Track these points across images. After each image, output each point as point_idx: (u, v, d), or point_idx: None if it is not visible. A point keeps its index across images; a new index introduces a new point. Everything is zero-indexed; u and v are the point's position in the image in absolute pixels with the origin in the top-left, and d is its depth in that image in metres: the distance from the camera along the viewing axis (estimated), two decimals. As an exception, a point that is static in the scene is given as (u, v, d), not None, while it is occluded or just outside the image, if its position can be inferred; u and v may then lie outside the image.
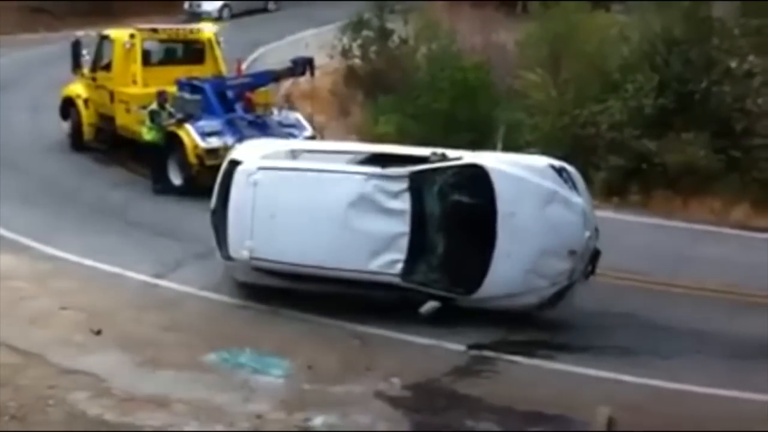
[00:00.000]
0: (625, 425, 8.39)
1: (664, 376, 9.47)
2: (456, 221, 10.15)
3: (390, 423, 8.58)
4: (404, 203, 10.06)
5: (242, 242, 10.46)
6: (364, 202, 10.11)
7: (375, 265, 10.03)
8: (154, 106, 14.94)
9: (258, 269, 10.58)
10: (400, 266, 10.05)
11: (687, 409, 8.97)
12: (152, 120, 14.88)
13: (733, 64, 17.01)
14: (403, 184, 10.10)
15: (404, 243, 10.02)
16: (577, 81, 18.02)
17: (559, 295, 10.18)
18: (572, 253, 9.97)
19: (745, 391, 9.19)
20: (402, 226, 10.04)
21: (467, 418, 8.68)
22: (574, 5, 18.76)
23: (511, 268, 9.87)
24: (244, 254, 10.45)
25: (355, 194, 10.13)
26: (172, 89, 15.47)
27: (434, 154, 10.42)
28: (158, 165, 15.04)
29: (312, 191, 10.31)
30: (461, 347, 10.00)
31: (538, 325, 10.53)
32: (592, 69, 17.96)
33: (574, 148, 16.83)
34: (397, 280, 10.07)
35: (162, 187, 14.97)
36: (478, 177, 10.03)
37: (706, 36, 17.18)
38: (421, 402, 8.93)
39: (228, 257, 10.80)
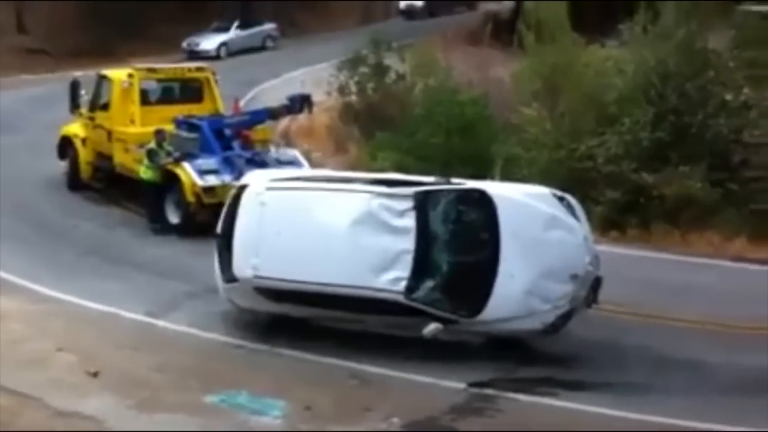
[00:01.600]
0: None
1: (666, 412, 9.34)
2: (460, 242, 10.27)
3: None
4: (409, 222, 10.16)
5: (247, 260, 10.46)
6: (369, 220, 10.20)
7: (379, 282, 10.01)
8: (152, 145, 14.98)
9: (259, 291, 10.49)
10: (403, 284, 10.03)
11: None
12: (150, 159, 14.90)
13: (729, 97, 17.07)
14: (409, 203, 10.23)
15: (408, 260, 10.06)
16: (572, 115, 18.08)
17: (562, 320, 10.16)
18: (574, 277, 10.06)
19: (746, 427, 9.06)
20: (407, 244, 10.11)
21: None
22: (569, 39, 18.87)
23: (514, 290, 9.94)
24: (249, 273, 10.42)
25: (361, 212, 10.24)
26: (170, 128, 15.52)
27: (439, 179, 10.76)
28: (155, 204, 15.03)
29: (319, 209, 10.48)
30: (461, 385, 9.90)
31: (539, 362, 10.44)
32: (587, 103, 18.02)
33: (571, 182, 16.78)
34: (400, 298, 10.02)
35: (159, 226, 14.94)
36: (482, 200, 10.28)
37: (700, 69, 17.27)
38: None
39: (230, 279, 10.74)
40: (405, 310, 10.08)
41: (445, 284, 10.13)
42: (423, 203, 10.24)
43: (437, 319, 10.03)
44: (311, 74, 24.00)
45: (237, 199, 11.02)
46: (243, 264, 10.51)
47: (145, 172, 14.97)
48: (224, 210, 11.31)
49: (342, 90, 22.24)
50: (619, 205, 15.96)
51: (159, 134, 15.02)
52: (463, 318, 10.11)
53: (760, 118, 16.72)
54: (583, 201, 15.73)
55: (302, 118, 17.70)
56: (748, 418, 9.19)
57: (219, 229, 11.19)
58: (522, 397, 9.71)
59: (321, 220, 10.36)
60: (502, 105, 19.81)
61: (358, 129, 21.54)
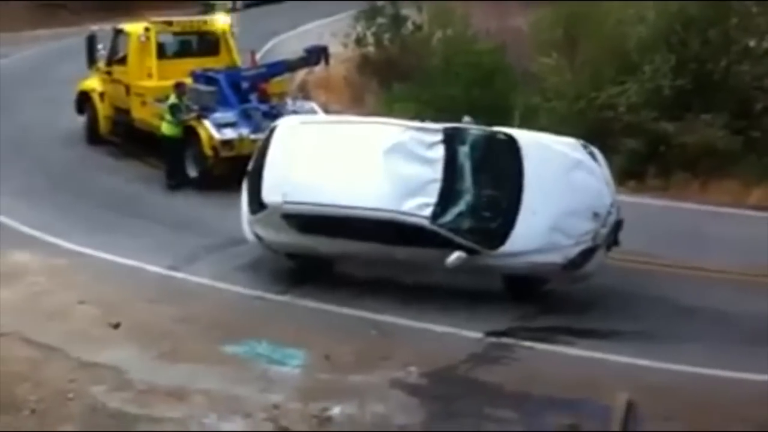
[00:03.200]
0: (644, 409, 8.34)
1: (685, 360, 9.39)
2: (485, 177, 10.71)
3: (407, 411, 8.56)
4: (438, 153, 10.62)
5: (278, 187, 10.69)
6: (400, 150, 10.63)
7: (406, 206, 10.30)
8: (173, 99, 14.81)
9: (287, 220, 10.64)
10: (430, 210, 10.34)
11: (707, 393, 8.88)
12: (173, 114, 14.75)
13: (752, 43, 16.76)
14: (438, 137, 10.72)
15: (436, 189, 10.46)
16: (592, 63, 17.83)
17: (584, 256, 10.34)
18: (596, 215, 10.47)
19: (760, 374, 9.08)
20: (434, 173, 10.52)
21: (485, 405, 8.66)
22: (589, -14, 18.54)
23: (537, 225, 10.29)
24: (278, 198, 10.62)
25: (392, 142, 10.66)
26: (188, 81, 15.48)
27: (467, 118, 11.42)
28: (174, 160, 15.03)
29: (351, 140, 10.97)
30: (479, 335, 9.97)
31: (557, 311, 10.48)
32: (608, 51, 17.75)
33: (591, 132, 16.60)
34: (426, 223, 10.28)
35: (176, 183, 14.93)
36: (508, 141, 10.82)
37: (723, 15, 16.92)
38: (439, 390, 8.91)
39: (258, 208, 10.85)
40: (430, 240, 10.26)
41: (470, 214, 10.48)
42: (452, 138, 10.75)
43: (461, 248, 10.22)
44: (328, 26, 23.77)
45: (270, 136, 11.40)
46: (273, 191, 10.69)
47: (167, 128, 14.86)
48: (256, 149, 11.65)
49: (359, 41, 22.05)
50: (638, 155, 15.82)
51: (179, 87, 14.90)
52: (486, 249, 10.28)
53: (783, 65, 16.43)
54: (603, 150, 15.62)
55: (319, 70, 17.55)
56: (759, 365, 9.21)
57: (250, 166, 11.41)
58: (539, 345, 9.78)
59: (353, 150, 10.77)
60: (521, 54, 19.57)
61: (375, 81, 21.39)
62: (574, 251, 10.26)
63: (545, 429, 8.32)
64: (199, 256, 11.95)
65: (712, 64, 16.51)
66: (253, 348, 9.59)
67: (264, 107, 15.36)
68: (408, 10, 21.99)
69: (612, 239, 10.65)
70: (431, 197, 10.40)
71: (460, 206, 10.47)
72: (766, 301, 10.74)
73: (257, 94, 15.73)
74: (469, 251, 10.23)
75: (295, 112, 15.49)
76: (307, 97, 17.50)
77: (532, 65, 18.62)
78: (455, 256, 10.19)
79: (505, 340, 9.89)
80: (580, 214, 10.41)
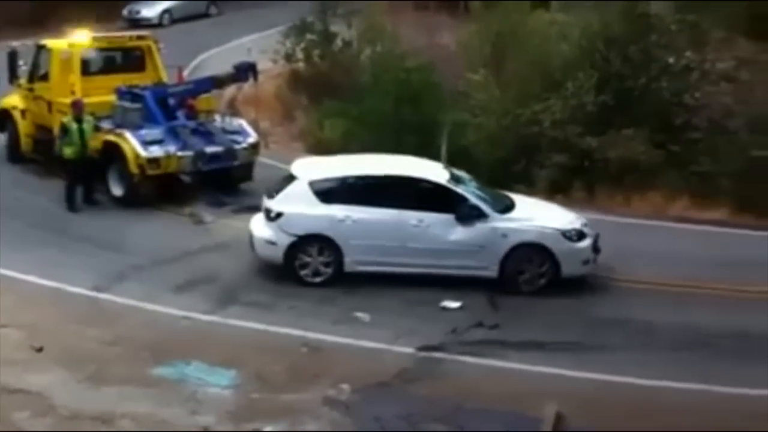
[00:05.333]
0: (572, 419, 8.49)
1: (612, 369, 9.61)
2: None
3: (340, 429, 8.53)
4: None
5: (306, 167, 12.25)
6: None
7: (424, 173, 11.87)
8: (66, 119, 14.27)
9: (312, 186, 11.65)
10: (447, 175, 11.95)
11: (634, 401, 9.09)
12: (62, 134, 14.09)
13: (671, 60, 17.35)
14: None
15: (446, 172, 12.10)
16: (519, 80, 18.19)
17: (578, 235, 11.54)
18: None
19: (689, 383, 9.35)
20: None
21: (418, 420, 8.68)
22: (513, 5, 18.93)
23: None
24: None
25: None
26: (112, 98, 15.20)
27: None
28: (72, 182, 14.49)
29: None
30: (410, 349, 10.02)
31: (486, 324, 10.59)
32: (533, 68, 18.15)
33: (518, 147, 17.02)
34: (444, 182, 11.73)
35: (72, 207, 14.40)
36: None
37: (643, 33, 17.49)
38: (371, 406, 8.90)
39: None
40: (442, 204, 11.29)
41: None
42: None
43: (475, 210, 11.29)
44: (257, 42, 23.62)
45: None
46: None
47: (63, 149, 14.19)
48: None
49: (288, 57, 22.03)
50: (564, 169, 16.20)
51: (75, 106, 14.36)
52: (496, 213, 11.48)
53: (700, 81, 17.04)
54: (530, 165, 16.00)
55: (248, 86, 17.42)
56: (693, 374, 9.48)
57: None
58: (470, 359, 9.87)
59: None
60: (450, 71, 19.84)
61: (305, 97, 21.40)
62: (569, 227, 11.43)
63: (476, 442, 8.40)
64: (126, 276, 11.73)
65: (633, 81, 17.05)
66: (182, 369, 9.43)
67: (192, 124, 15.19)
68: (337, 27, 22.07)
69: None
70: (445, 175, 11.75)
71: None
72: (688, 310, 11.07)
73: (185, 110, 15.54)
74: (481, 215, 11.14)
75: (224, 129, 15.41)
76: (236, 113, 17.37)
77: (460, 82, 18.88)
78: (453, 305, 10.80)
79: (437, 354, 9.96)
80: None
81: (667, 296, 11.52)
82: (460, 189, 11.52)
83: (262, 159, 15.85)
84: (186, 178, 14.88)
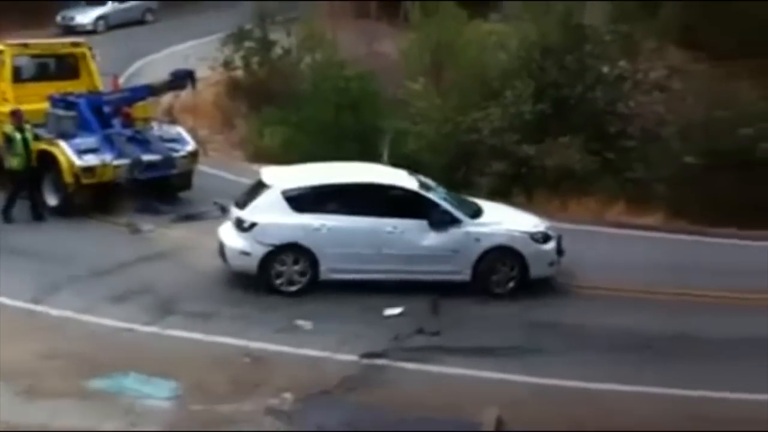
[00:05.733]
0: (513, 423, 8.58)
1: (551, 373, 9.73)
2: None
3: (282, 439, 8.47)
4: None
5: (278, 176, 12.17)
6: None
7: (395, 181, 12.08)
8: (8, 129, 13.90)
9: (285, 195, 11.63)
10: (417, 183, 12.09)
11: (573, 404, 9.24)
12: (7, 146, 13.72)
13: (605, 70, 17.76)
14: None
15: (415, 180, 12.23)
16: (458, 89, 18.41)
17: (544, 238, 11.85)
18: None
19: (624, 384, 9.54)
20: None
21: (360, 428, 8.67)
22: (451, 14, 19.15)
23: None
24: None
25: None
26: (46, 106, 14.87)
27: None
28: (15, 193, 14.03)
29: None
30: (353, 357, 10.00)
31: (427, 330, 10.64)
32: (472, 77, 18.39)
33: (459, 155, 17.21)
34: (416, 188, 11.91)
35: (8, 218, 14.01)
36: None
37: (578, 43, 17.87)
38: (313, 415, 8.86)
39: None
40: (415, 211, 11.44)
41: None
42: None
43: (447, 216, 11.45)
44: (195, 49, 23.44)
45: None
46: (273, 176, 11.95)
47: (10, 160, 13.85)
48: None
49: (227, 65, 21.87)
50: (503, 176, 16.42)
51: (15, 115, 14.01)
52: (468, 218, 11.68)
53: (633, 90, 17.47)
54: (470, 172, 16.19)
55: (186, 94, 17.25)
56: (631, 376, 9.67)
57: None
58: (413, 365, 9.90)
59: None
60: (389, 79, 19.97)
61: (245, 105, 21.27)
62: (536, 230, 11.82)
63: (419, 448, 8.43)
64: (62, 288, 11.45)
65: (569, 90, 17.40)
66: (120, 382, 9.24)
67: (128, 132, 14.95)
68: (276, 34, 22.00)
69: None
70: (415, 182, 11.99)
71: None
72: (627, 314, 11.31)
73: (120, 118, 15.29)
74: (454, 220, 11.39)
75: (161, 138, 15.19)
76: (173, 121, 17.16)
77: (400, 90, 19.00)
78: (394, 312, 10.81)
79: (379, 361, 9.96)
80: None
81: (607, 300, 11.75)
82: (431, 195, 11.70)
83: (201, 167, 15.69)
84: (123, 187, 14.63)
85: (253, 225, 11.36)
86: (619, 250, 13.59)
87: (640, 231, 14.75)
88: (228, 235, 11.68)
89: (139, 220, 13.94)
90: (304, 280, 11.35)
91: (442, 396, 9.29)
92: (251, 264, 11.33)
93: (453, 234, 11.40)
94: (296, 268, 11.34)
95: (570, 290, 11.95)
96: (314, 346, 10.16)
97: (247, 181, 16.67)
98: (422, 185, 11.95)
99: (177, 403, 8.99)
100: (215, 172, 16.66)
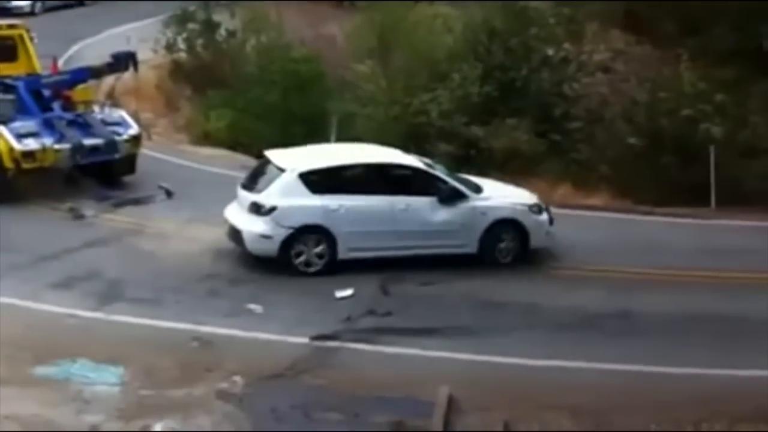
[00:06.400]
0: (464, 402, 8.65)
1: (501, 351, 9.82)
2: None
3: (234, 423, 8.39)
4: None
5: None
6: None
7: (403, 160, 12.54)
8: None
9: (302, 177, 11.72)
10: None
11: (523, 381, 9.35)
12: None
13: (550, 52, 17.92)
14: None
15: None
16: (406, 71, 18.39)
17: (539, 209, 12.43)
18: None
19: (574, 361, 9.68)
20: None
21: (312, 409, 8.64)
22: (398, -4, 19.11)
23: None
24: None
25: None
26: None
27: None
28: None
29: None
30: (304, 339, 9.96)
31: (378, 311, 10.65)
32: (419, 59, 18.38)
33: (408, 137, 17.20)
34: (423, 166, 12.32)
35: None
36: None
37: (524, 26, 17.98)
38: (265, 398, 8.80)
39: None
40: (424, 188, 11.83)
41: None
42: None
43: (454, 191, 11.83)
44: (137, 31, 22.94)
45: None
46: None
47: None
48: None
49: (170, 47, 21.48)
50: (453, 157, 16.46)
51: None
52: (473, 193, 12.09)
53: (578, 72, 17.66)
54: (420, 154, 16.19)
55: (128, 76, 16.89)
56: (578, 352, 9.80)
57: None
58: (364, 346, 9.90)
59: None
60: (336, 62, 19.85)
61: (189, 87, 20.94)
62: (532, 202, 12.42)
63: (371, 429, 8.42)
64: (5, 275, 11.13)
65: (516, 72, 17.51)
66: (67, 368, 9.05)
67: (68, 116, 14.61)
68: (220, 16, 21.67)
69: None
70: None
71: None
72: (574, 292, 11.45)
73: (61, 102, 14.92)
74: (461, 196, 11.83)
75: (103, 121, 14.88)
76: (115, 104, 16.80)
77: (348, 73, 18.91)
78: (345, 293, 10.87)
79: (330, 343, 9.94)
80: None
81: (555, 279, 11.90)
82: (439, 173, 12.13)
83: (145, 151, 15.41)
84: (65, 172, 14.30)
85: (273, 208, 11.41)
86: (565, 230, 13.73)
87: (586, 211, 14.95)
88: (242, 219, 11.70)
89: (81, 205, 13.66)
90: (323, 260, 11.55)
91: (393, 376, 9.31)
92: (272, 247, 11.44)
93: (461, 209, 11.85)
94: (316, 249, 11.51)
95: (519, 269, 12.05)
96: (265, 330, 10.09)
97: (194, 165, 16.61)
98: (426, 164, 12.36)
99: (125, 388, 8.84)
100: (159, 155, 16.39)
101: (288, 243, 11.39)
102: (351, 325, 10.33)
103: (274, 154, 12.25)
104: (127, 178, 14.80)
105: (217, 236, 12.20)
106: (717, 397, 9.05)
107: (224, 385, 8.94)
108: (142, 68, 16.78)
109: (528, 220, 12.09)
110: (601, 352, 9.87)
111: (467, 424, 8.50)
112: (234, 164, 16.71)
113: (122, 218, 13.29)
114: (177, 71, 21.45)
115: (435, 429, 8.27)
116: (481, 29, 18.04)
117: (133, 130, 15.06)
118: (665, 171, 15.95)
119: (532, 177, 16.01)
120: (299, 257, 11.49)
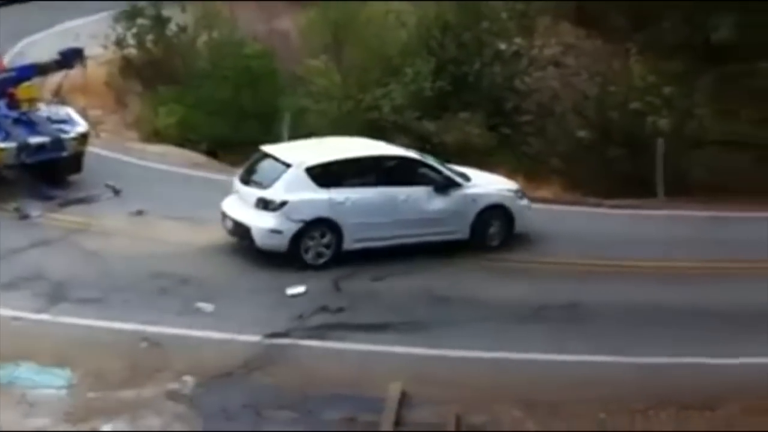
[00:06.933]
0: (416, 396, 8.66)
1: (454, 345, 9.88)
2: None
3: (184, 423, 8.31)
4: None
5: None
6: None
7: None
8: None
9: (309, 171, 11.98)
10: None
11: (473, 374, 9.40)
12: None
13: (502, 46, 17.97)
14: None
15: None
16: (359, 66, 18.31)
17: (521, 195, 13.23)
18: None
19: (526, 353, 9.77)
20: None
21: (264, 407, 8.59)
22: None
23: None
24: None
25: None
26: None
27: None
28: None
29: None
30: (256, 338, 9.88)
31: (330, 307, 10.61)
32: (372, 54, 18.31)
33: (361, 132, 17.10)
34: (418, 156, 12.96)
35: None
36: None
37: (476, 20, 18.02)
38: (216, 397, 8.71)
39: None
40: (421, 179, 12.31)
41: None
42: None
43: (448, 180, 12.33)
44: (86, 26, 22.49)
45: None
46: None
47: None
48: None
49: (119, 43, 21.11)
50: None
51: None
52: (465, 182, 12.64)
53: (529, 66, 17.75)
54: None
55: (76, 73, 16.56)
56: (529, 344, 9.91)
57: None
58: (315, 343, 9.87)
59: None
60: (289, 57, 19.67)
61: (139, 84, 20.60)
62: (515, 187, 13.17)
63: (323, 426, 8.40)
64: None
65: (468, 67, 17.54)
66: (11, 372, 8.89)
67: (13, 114, 14.30)
68: (171, 11, 21.35)
69: None
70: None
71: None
72: (524, 284, 11.54)
73: (5, 100, 14.59)
74: (455, 184, 12.32)
75: (49, 119, 14.58)
76: (63, 102, 16.47)
77: (300, 68, 18.78)
78: (297, 290, 10.94)
79: (282, 341, 9.88)
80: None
81: (506, 271, 11.97)
82: (433, 163, 12.61)
83: (93, 149, 15.14)
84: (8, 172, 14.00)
85: (284, 203, 11.47)
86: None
87: (538, 204, 15.02)
88: (249, 215, 11.71)
89: (27, 205, 13.38)
90: (329, 252, 11.76)
91: (346, 372, 9.31)
92: (282, 242, 11.62)
93: (454, 197, 12.35)
94: (323, 241, 11.73)
95: (470, 263, 12.10)
96: (216, 329, 10.00)
97: (141, 163, 16.37)
98: (420, 155, 12.89)
99: (73, 391, 8.70)
100: (107, 153, 16.13)
101: (297, 237, 11.58)
102: (303, 322, 10.29)
103: (273, 150, 12.47)
104: (73, 177, 14.52)
105: (166, 234, 12.06)
106: (665, 385, 9.20)
107: (174, 385, 8.86)
108: (91, 65, 16.50)
109: (513, 205, 12.72)
110: (551, 343, 9.98)
111: (419, 417, 8.52)
112: (183, 161, 16.54)
113: (68, 218, 13.05)
114: (127, 67, 21.04)
115: (385, 424, 8.26)
116: (434, 24, 18.03)
117: (81, 127, 14.78)
118: (614, 163, 16.11)
119: (486, 170, 16.04)
120: (308, 252, 11.65)
